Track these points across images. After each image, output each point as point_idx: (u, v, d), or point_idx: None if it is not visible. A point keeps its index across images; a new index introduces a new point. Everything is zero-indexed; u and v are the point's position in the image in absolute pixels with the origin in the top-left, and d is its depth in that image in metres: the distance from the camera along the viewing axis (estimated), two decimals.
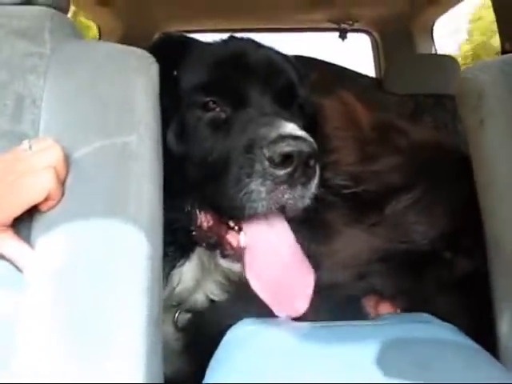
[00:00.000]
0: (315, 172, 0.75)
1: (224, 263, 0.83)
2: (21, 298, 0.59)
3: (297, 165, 0.71)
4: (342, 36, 2.58)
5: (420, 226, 0.78)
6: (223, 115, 0.83)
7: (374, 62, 2.67)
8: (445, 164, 0.83)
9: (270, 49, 0.93)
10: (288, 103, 0.88)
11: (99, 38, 2.43)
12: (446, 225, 0.78)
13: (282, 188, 0.72)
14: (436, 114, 2.04)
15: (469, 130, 0.78)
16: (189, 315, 0.92)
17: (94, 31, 2.58)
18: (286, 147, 0.70)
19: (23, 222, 0.63)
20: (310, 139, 0.72)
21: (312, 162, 0.73)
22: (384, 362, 0.55)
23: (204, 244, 0.85)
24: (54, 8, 0.77)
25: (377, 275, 0.78)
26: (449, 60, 2.19)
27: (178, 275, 0.87)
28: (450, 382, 0.52)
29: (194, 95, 0.84)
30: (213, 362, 0.60)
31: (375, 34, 2.61)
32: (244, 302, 0.84)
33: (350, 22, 2.49)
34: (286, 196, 0.73)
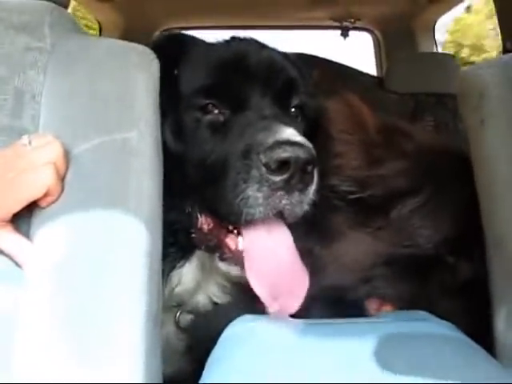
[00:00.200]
0: (313, 178, 0.75)
1: (222, 266, 0.83)
2: (20, 294, 0.59)
3: (293, 171, 0.70)
4: (344, 34, 2.57)
5: (425, 230, 0.78)
6: (222, 118, 0.82)
7: (376, 60, 2.67)
8: (450, 168, 0.83)
9: (273, 49, 0.92)
10: (288, 105, 0.88)
11: (100, 34, 2.43)
12: (450, 229, 0.78)
13: (279, 194, 0.71)
14: (437, 113, 2.04)
15: (470, 129, 0.78)
16: (191, 316, 0.92)
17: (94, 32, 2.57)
18: (282, 153, 0.69)
19: (22, 218, 0.63)
20: (308, 145, 0.72)
21: (309, 168, 0.72)
22: (382, 359, 0.55)
23: (203, 247, 0.85)
24: (54, 2, 0.77)
25: (380, 279, 0.78)
26: (450, 59, 2.19)
27: (177, 276, 0.87)
28: (447, 379, 0.52)
29: (193, 97, 0.83)
30: (210, 360, 0.60)
31: (377, 32, 2.61)
32: (245, 303, 0.84)
33: (352, 21, 2.49)
34: (283, 202, 0.72)
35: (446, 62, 2.14)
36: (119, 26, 2.40)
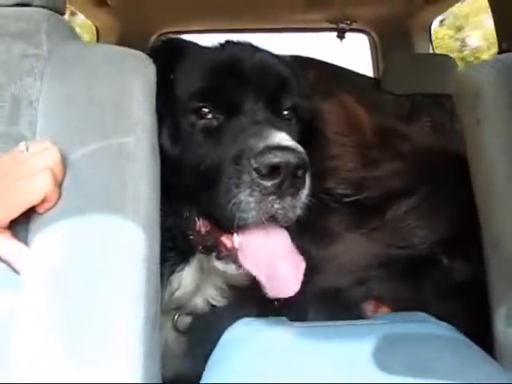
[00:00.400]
0: (304, 182, 0.75)
1: (219, 265, 0.83)
2: (18, 299, 0.59)
3: (284, 176, 0.70)
4: (340, 36, 2.58)
5: (420, 231, 0.78)
6: (215, 123, 0.83)
7: (372, 61, 2.67)
8: (446, 168, 0.83)
9: (267, 53, 0.93)
10: (281, 107, 0.88)
11: (97, 39, 2.43)
12: (446, 230, 0.78)
13: (270, 198, 0.72)
14: (434, 114, 2.04)
15: (466, 129, 0.78)
16: (189, 318, 0.93)
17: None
18: (272, 158, 0.69)
19: (20, 224, 0.63)
20: (300, 149, 0.72)
21: (300, 173, 0.72)
22: (381, 360, 0.55)
23: (201, 248, 0.85)
24: (51, 9, 0.77)
25: (376, 280, 0.78)
26: (446, 59, 2.19)
27: (177, 280, 0.87)
28: (446, 380, 0.52)
29: (188, 101, 0.84)
30: (210, 362, 0.60)
31: (373, 33, 2.62)
32: (243, 306, 0.85)
33: (348, 22, 2.49)
34: (275, 206, 0.72)
35: (443, 62, 2.14)
36: (116, 31, 2.41)
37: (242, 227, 0.76)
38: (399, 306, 0.77)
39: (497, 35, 1.45)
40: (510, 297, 0.69)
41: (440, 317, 0.68)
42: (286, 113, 0.89)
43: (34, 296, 0.59)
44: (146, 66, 0.74)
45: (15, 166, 0.62)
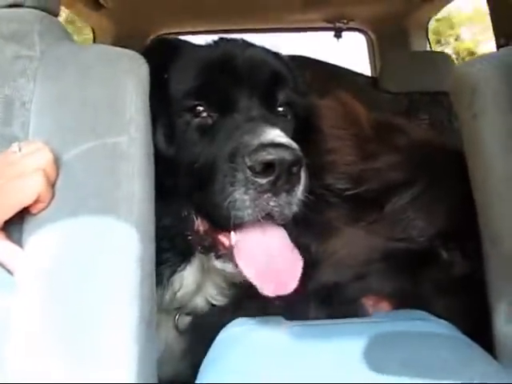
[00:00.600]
0: (300, 179, 0.75)
1: (218, 264, 0.82)
2: (13, 301, 0.59)
3: (279, 173, 0.70)
4: (337, 35, 2.58)
5: (419, 222, 0.78)
6: (210, 121, 0.83)
7: (370, 60, 2.67)
8: (445, 162, 0.83)
9: (261, 48, 0.93)
10: (275, 102, 0.88)
11: (94, 40, 2.43)
12: (445, 222, 0.78)
13: (266, 196, 0.72)
14: (432, 111, 2.04)
15: (463, 125, 0.78)
16: (189, 318, 0.92)
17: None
18: (266, 156, 0.69)
19: (14, 225, 0.63)
20: (294, 146, 0.72)
21: (295, 170, 0.72)
22: (379, 358, 0.56)
23: (200, 247, 0.85)
24: (43, 10, 0.77)
25: (375, 275, 0.78)
26: (443, 57, 2.19)
27: (179, 280, 0.87)
28: (444, 377, 0.51)
29: (182, 99, 0.84)
30: (206, 362, 0.60)
31: (370, 32, 2.62)
32: (243, 305, 0.84)
33: (345, 21, 2.49)
34: (271, 204, 0.72)
35: (440, 60, 2.14)
36: (112, 32, 2.41)
37: (238, 226, 0.76)
38: (399, 301, 0.77)
39: (493, 31, 1.45)
40: (509, 293, 0.68)
41: (439, 312, 0.68)
42: (280, 109, 0.89)
43: (27, 297, 0.59)
44: (140, 65, 0.74)
45: (8, 166, 0.62)
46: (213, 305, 0.92)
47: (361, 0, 2.32)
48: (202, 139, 0.82)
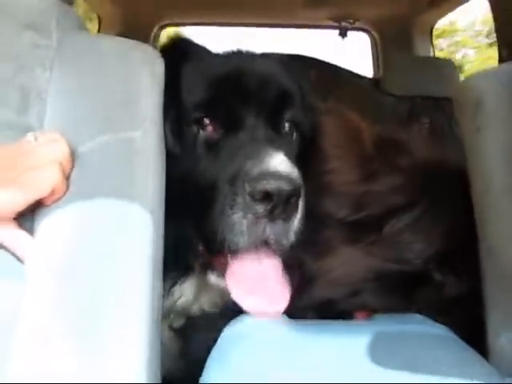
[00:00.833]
0: (297, 208, 0.75)
1: (213, 279, 0.84)
2: (23, 290, 0.59)
3: (276, 202, 0.71)
4: (342, 34, 2.58)
5: (417, 245, 0.78)
6: (216, 136, 0.83)
7: (373, 61, 2.68)
8: (445, 182, 0.83)
9: (273, 63, 0.92)
10: (282, 121, 0.88)
11: (99, 28, 2.41)
12: (443, 243, 0.78)
13: (262, 222, 0.72)
14: (433, 116, 2.06)
15: (466, 137, 0.79)
16: (183, 319, 0.94)
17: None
18: (266, 185, 0.70)
19: (26, 214, 0.63)
20: (294, 176, 0.72)
21: (293, 200, 0.73)
22: (376, 357, 0.57)
23: (198, 264, 0.87)
24: None
25: (369, 292, 0.78)
26: (447, 63, 2.20)
27: (178, 291, 0.89)
28: (440, 377, 0.53)
29: (191, 109, 0.84)
30: (210, 360, 0.61)
31: (375, 33, 2.62)
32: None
33: (351, 21, 2.49)
34: (267, 230, 0.73)
35: (444, 66, 2.15)
36: (119, 20, 2.39)
37: (233, 252, 0.76)
38: None
39: (498, 43, 1.47)
40: (504, 303, 0.69)
41: None
42: (286, 128, 0.89)
43: (38, 286, 0.59)
44: (155, 59, 0.74)
45: (22, 156, 0.62)
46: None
47: (367, 1, 2.32)
48: (208, 155, 0.82)
